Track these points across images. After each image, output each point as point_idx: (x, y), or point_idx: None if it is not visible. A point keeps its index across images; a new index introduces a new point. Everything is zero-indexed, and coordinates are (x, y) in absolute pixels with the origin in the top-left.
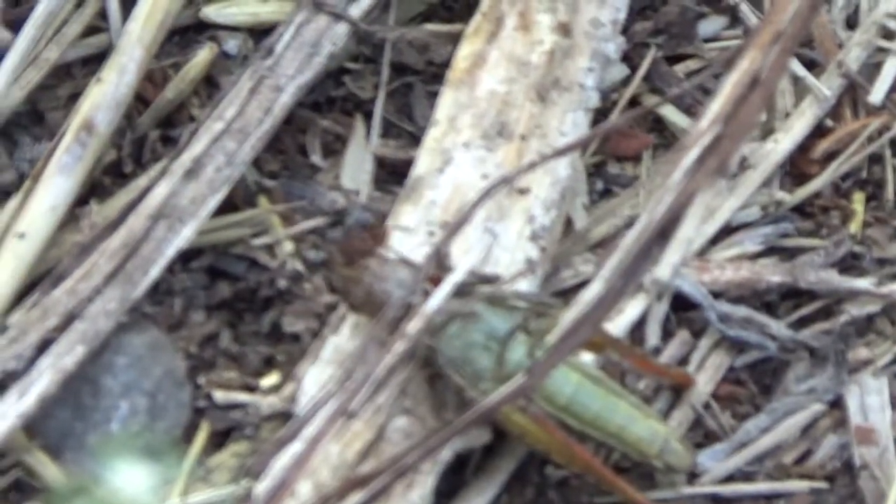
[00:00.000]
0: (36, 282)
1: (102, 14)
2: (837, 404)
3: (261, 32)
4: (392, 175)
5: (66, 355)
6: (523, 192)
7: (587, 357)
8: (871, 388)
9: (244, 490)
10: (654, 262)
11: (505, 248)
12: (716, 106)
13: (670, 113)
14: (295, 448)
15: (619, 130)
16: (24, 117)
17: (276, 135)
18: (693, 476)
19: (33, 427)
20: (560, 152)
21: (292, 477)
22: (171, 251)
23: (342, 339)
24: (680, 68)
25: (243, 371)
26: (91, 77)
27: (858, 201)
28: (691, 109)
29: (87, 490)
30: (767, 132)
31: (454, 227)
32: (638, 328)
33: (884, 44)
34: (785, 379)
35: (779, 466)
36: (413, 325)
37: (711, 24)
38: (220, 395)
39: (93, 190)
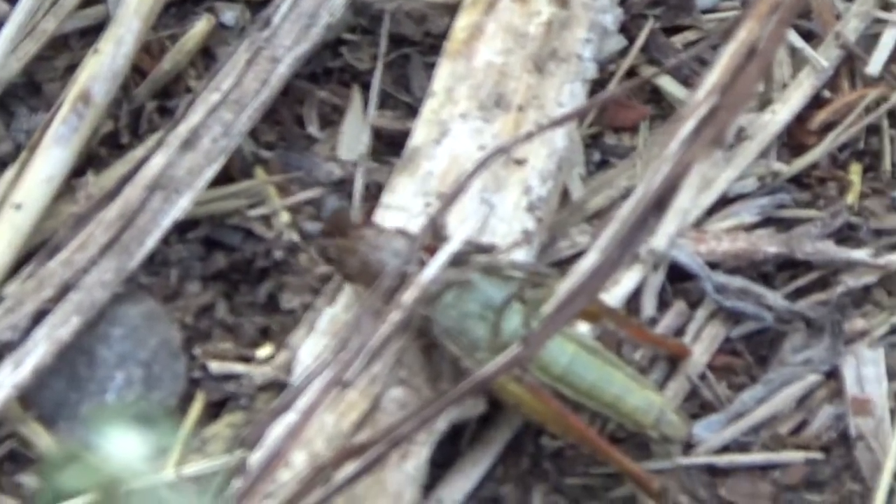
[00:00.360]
0: (32, 252)
1: None
2: (833, 375)
3: (258, 4)
4: (389, 146)
5: (61, 326)
6: (520, 162)
7: (583, 327)
8: (868, 358)
9: (238, 460)
10: (651, 232)
11: (501, 218)
12: (713, 77)
13: (667, 84)
14: (289, 418)
15: (617, 101)
16: (21, 88)
17: (272, 106)
18: (688, 446)
19: (28, 398)
20: (557, 123)
21: (286, 447)
22: (167, 222)
23: (337, 309)
24: (678, 39)
25: (239, 342)
26: (88, 48)
27: (855, 172)
28: (689, 80)
29: (80, 458)
30: (765, 103)
31: (450, 198)
32: (634, 299)
33: (882, 15)
34: (781, 350)
35: (774, 437)
36: (408, 296)
37: None
38: (215, 366)
39: (89, 161)
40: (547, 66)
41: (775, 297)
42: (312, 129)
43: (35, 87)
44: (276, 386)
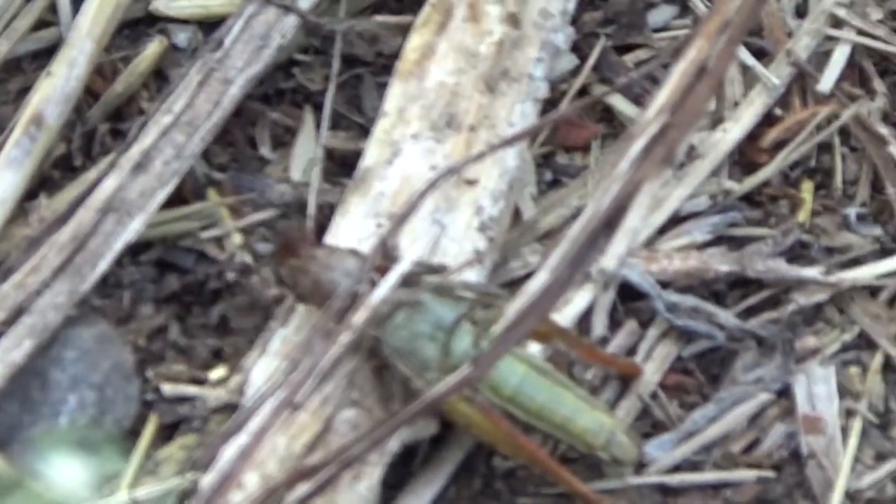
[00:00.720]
0: None
1: (52, 8)
2: (785, 393)
3: (211, 25)
4: (342, 167)
5: (14, 349)
6: (471, 183)
7: (535, 347)
8: (819, 376)
9: (190, 482)
10: (601, 252)
11: (453, 238)
12: (663, 95)
13: (619, 103)
14: (241, 440)
15: (568, 121)
16: None
17: (225, 127)
18: (640, 466)
19: None
20: (507, 142)
21: (238, 469)
22: (119, 244)
23: (290, 331)
24: (629, 58)
25: (192, 364)
26: (41, 71)
27: (807, 190)
28: (640, 99)
29: (24, 484)
30: (716, 121)
31: (400, 218)
32: (586, 318)
33: (833, 32)
34: (732, 368)
35: (726, 456)
36: (358, 317)
37: (661, 14)
38: (168, 388)
39: (42, 183)
40: (498, 86)
41: (727, 316)
42: (265, 150)
43: None
44: (229, 408)
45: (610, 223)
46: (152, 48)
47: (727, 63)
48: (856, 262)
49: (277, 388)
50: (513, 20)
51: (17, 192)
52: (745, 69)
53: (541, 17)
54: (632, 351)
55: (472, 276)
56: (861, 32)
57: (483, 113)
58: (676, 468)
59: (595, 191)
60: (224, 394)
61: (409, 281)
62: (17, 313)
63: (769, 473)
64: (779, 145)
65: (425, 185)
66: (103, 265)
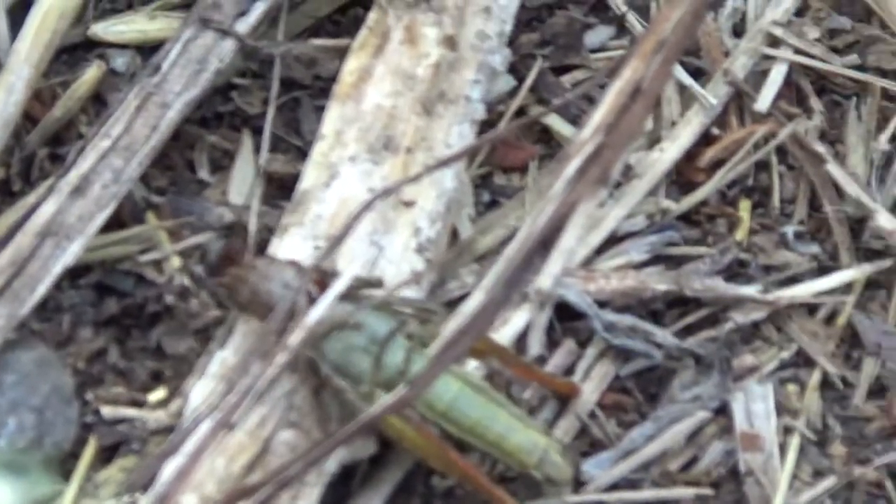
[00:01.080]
0: None
1: None
2: (723, 411)
3: (149, 49)
4: (280, 190)
5: None
6: (409, 204)
7: (473, 364)
8: (757, 394)
9: None
10: (536, 272)
11: (391, 260)
12: (598, 116)
13: (557, 123)
14: (179, 462)
15: (506, 142)
16: None
17: (163, 151)
18: (579, 484)
19: None
20: (444, 163)
21: (175, 490)
22: (58, 268)
23: (228, 353)
24: (567, 79)
25: (131, 386)
26: None
27: (745, 209)
28: (578, 120)
29: None
30: (653, 141)
31: (336, 240)
32: (524, 338)
33: (769, 51)
34: (670, 387)
35: (664, 474)
36: (295, 337)
37: (598, 35)
38: (107, 411)
39: None
40: (435, 108)
41: (664, 335)
42: (203, 173)
43: None
44: (169, 430)
45: (545, 243)
46: (91, 73)
47: (662, 83)
48: (793, 280)
49: (214, 410)
50: (450, 42)
51: None
52: (682, 89)
53: (478, 39)
54: (570, 370)
55: (410, 296)
56: (798, 51)
57: (420, 135)
58: (615, 486)
59: (531, 211)
60: (163, 416)
61: (347, 295)
62: None
63: (707, 491)
64: (716, 164)
65: (362, 206)
66: (42, 289)
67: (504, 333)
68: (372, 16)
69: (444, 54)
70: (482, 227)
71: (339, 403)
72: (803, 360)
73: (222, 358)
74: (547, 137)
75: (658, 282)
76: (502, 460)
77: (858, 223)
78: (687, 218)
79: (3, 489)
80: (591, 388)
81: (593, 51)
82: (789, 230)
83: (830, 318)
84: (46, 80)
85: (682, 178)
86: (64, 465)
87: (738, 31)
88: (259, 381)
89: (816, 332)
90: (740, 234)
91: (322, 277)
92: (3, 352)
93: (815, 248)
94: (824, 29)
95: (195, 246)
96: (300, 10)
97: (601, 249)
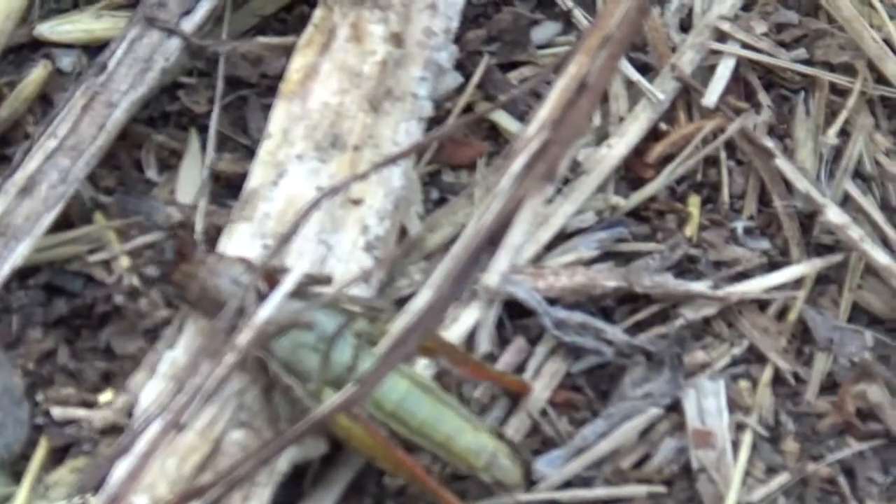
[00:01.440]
0: None
1: None
2: (675, 408)
3: (95, 49)
4: (228, 188)
5: None
6: (357, 202)
7: (423, 363)
8: (709, 391)
9: None
10: (483, 269)
11: (339, 258)
12: (544, 112)
13: (504, 120)
14: (129, 462)
15: (454, 139)
16: None
17: (111, 150)
18: (531, 483)
19: None
20: (392, 160)
21: (126, 491)
22: (6, 269)
23: (178, 352)
24: (514, 75)
25: (81, 387)
26: None
27: (694, 204)
28: (525, 116)
29: None
30: (601, 137)
31: (284, 238)
32: (474, 336)
33: (717, 46)
34: (622, 384)
35: (617, 471)
36: (244, 337)
37: (545, 31)
38: (58, 412)
39: None
40: (382, 106)
41: (615, 332)
42: (151, 173)
43: None
44: (119, 430)
45: (492, 240)
46: (37, 73)
47: (608, 78)
48: (744, 275)
49: (164, 410)
50: (396, 39)
51: None
52: (629, 84)
53: (424, 36)
54: (521, 368)
55: (359, 294)
56: (746, 46)
57: (367, 133)
58: (567, 484)
59: (479, 208)
60: (113, 416)
61: (296, 292)
62: None
63: (660, 488)
64: (665, 160)
65: (309, 204)
66: None
67: (454, 331)
68: (318, 13)
69: (390, 51)
70: (431, 225)
71: (289, 402)
72: (755, 356)
73: (172, 357)
74: (495, 134)
75: (608, 278)
76: (451, 462)
77: (808, 218)
78: (636, 214)
79: None
80: (542, 385)
81: (540, 47)
82: (739, 225)
83: (781, 314)
84: None
85: (630, 174)
86: (14, 467)
87: (685, 26)
88: (209, 380)
89: (767, 327)
90: (690, 230)
91: (271, 275)
92: None
93: (765, 244)
94: (772, 23)
95: (144, 245)
96: (246, 8)
97: (550, 246)
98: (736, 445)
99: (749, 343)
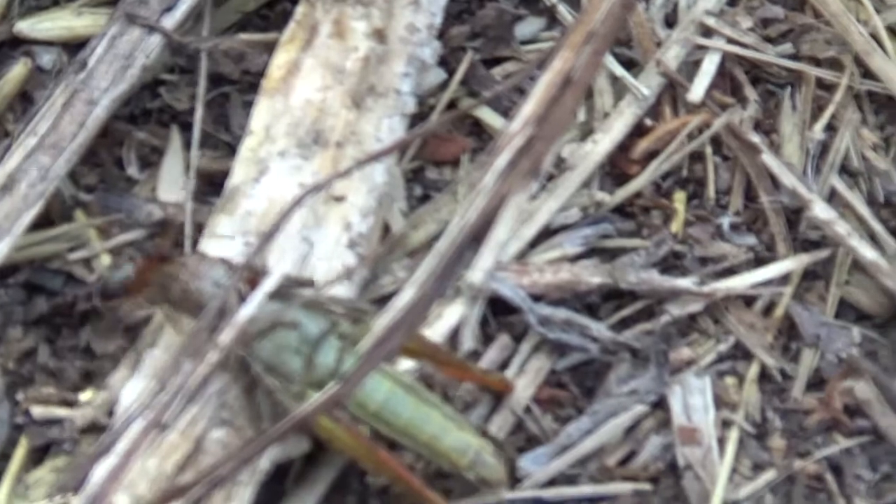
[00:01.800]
0: None
1: None
2: (660, 405)
3: (76, 46)
4: (211, 186)
5: None
6: (339, 199)
7: (407, 364)
8: (694, 387)
9: None
10: (467, 266)
11: (322, 256)
12: (528, 108)
13: (488, 116)
14: (111, 462)
15: (437, 135)
16: None
17: (91, 148)
18: (516, 480)
19: None
20: (374, 157)
21: (107, 490)
22: None
23: (159, 351)
24: (498, 71)
25: (62, 386)
26: None
27: (679, 200)
28: (509, 112)
29: None
30: (586, 133)
31: (267, 236)
32: (458, 333)
33: (702, 41)
34: (607, 381)
35: (602, 469)
36: (226, 336)
37: (529, 26)
38: (38, 411)
39: None
40: (365, 102)
41: (600, 328)
42: (132, 170)
43: None
44: (100, 429)
45: (476, 237)
46: (17, 70)
47: (592, 73)
48: (730, 271)
49: (144, 409)
50: (379, 35)
51: None
52: (614, 80)
53: (407, 32)
54: (505, 365)
55: (342, 292)
56: (731, 41)
57: (350, 129)
58: (552, 482)
59: (463, 205)
60: (94, 415)
61: (278, 294)
62: None
63: (645, 486)
64: (650, 156)
65: (292, 201)
66: None
67: (438, 329)
68: (300, 9)
69: (373, 47)
70: (414, 222)
71: (271, 401)
72: (741, 352)
73: (153, 356)
74: (479, 130)
75: (593, 275)
76: (435, 461)
77: (795, 213)
78: (621, 210)
79: None
80: (526, 382)
81: (524, 42)
82: (725, 221)
83: (768, 310)
84: None
85: (615, 169)
86: None
87: (671, 21)
88: (190, 379)
89: (754, 323)
90: (675, 226)
91: (253, 275)
92: None
93: (751, 240)
94: (757, 18)
95: (125, 243)
96: (227, 4)
97: (535, 243)
98: (722, 442)
99: (735, 339)
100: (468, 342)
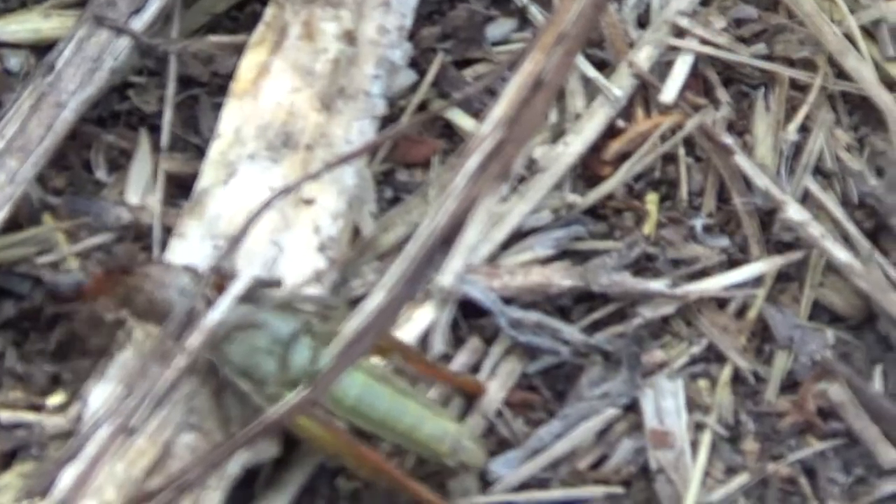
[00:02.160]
0: None
1: None
2: (632, 408)
3: (44, 49)
4: (179, 189)
5: None
6: (309, 202)
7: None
8: (667, 390)
9: None
10: (438, 268)
11: (291, 259)
12: (499, 109)
13: (459, 118)
14: (78, 467)
15: (408, 137)
16: None
17: (60, 151)
18: (487, 484)
19: None
20: (345, 159)
21: (74, 496)
22: None
23: (128, 355)
24: (469, 73)
25: (29, 390)
26: None
27: (652, 202)
28: (480, 114)
29: None
30: (558, 134)
31: (235, 239)
32: (428, 336)
33: (675, 42)
34: (578, 384)
35: (574, 472)
36: (194, 339)
37: (500, 27)
38: (5, 415)
39: None
40: (335, 104)
41: (571, 331)
42: (100, 173)
43: None
44: (68, 434)
45: (447, 239)
46: None
47: (564, 75)
48: (703, 273)
49: (112, 414)
50: (349, 37)
51: None
52: (586, 81)
53: (377, 34)
54: (476, 368)
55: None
56: (704, 42)
57: (320, 132)
58: (523, 486)
59: (433, 207)
60: (62, 420)
61: (246, 296)
62: None
63: (618, 489)
64: (622, 157)
65: (261, 204)
66: None
67: (408, 331)
68: (269, 11)
69: (342, 49)
70: (385, 224)
71: (240, 405)
72: (714, 354)
73: (122, 360)
74: (450, 132)
75: (564, 277)
76: (415, 451)
77: (768, 215)
78: (593, 212)
79: None
80: (497, 386)
81: (495, 44)
82: (698, 223)
83: (741, 312)
84: None
85: (587, 171)
86: None
87: (643, 21)
88: (158, 384)
89: (727, 326)
90: (648, 228)
91: (221, 279)
92: None
93: (724, 241)
94: (730, 18)
95: (93, 247)
96: (196, 6)
97: (506, 245)
98: (695, 445)
99: (708, 342)
100: (439, 345)
